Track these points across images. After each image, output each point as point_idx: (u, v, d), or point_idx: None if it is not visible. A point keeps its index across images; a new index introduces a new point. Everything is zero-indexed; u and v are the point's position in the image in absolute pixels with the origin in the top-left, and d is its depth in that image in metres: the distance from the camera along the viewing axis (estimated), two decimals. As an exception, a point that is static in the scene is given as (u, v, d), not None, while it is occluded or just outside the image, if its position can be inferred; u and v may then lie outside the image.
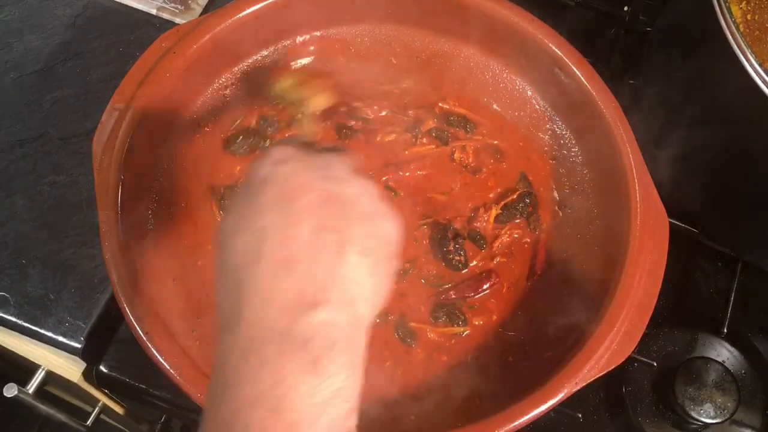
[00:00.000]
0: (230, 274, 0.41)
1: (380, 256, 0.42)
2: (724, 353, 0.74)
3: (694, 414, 0.69)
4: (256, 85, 0.78)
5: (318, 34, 0.81)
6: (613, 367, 0.62)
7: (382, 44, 0.82)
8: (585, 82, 0.73)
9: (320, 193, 0.42)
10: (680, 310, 0.79)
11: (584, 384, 0.61)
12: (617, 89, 0.75)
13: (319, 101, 0.64)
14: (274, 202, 0.41)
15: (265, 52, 0.79)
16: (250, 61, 0.79)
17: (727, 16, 0.61)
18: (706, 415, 0.69)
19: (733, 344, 0.74)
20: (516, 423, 0.58)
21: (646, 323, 0.64)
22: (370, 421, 0.63)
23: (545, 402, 0.60)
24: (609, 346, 0.62)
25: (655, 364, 0.72)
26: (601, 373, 0.62)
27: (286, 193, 0.41)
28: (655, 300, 0.65)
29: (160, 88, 0.71)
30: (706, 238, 0.80)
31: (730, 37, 0.61)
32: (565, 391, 0.60)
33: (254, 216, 0.41)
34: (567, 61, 0.74)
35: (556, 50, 0.74)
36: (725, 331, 0.75)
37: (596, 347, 0.62)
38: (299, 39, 0.81)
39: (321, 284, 0.39)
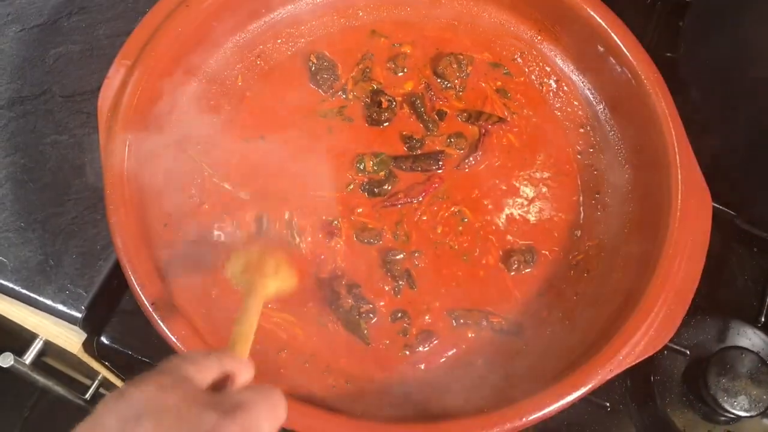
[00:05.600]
0: None
1: None
2: (759, 343, 0.70)
3: (727, 406, 0.65)
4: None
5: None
6: (650, 354, 0.58)
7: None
8: (625, 51, 0.69)
9: None
10: (714, 297, 0.75)
11: (619, 371, 0.57)
12: (654, 63, 0.70)
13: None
14: None
15: (290, 7, 0.74)
16: (268, 18, 0.74)
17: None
18: (740, 407, 0.66)
19: (769, 334, 0.71)
20: (546, 410, 0.55)
21: (686, 308, 0.60)
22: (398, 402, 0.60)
23: (577, 389, 0.56)
24: (646, 332, 0.58)
25: (688, 352, 0.69)
26: (637, 360, 0.58)
27: None
28: (696, 284, 0.61)
29: (171, 44, 0.66)
30: (744, 222, 0.76)
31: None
32: (599, 377, 0.57)
33: None
34: (606, 27, 0.69)
35: (595, 16, 0.70)
36: (762, 320, 0.72)
37: (633, 332, 0.58)
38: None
39: None
